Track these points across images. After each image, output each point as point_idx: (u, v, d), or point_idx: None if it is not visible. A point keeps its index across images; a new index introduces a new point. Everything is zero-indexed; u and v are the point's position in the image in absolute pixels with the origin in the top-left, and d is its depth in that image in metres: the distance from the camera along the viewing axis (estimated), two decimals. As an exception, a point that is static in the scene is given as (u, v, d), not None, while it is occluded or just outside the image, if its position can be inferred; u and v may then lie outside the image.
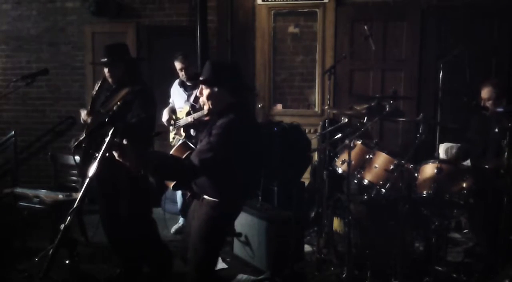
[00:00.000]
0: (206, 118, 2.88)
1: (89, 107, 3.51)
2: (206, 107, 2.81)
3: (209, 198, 2.78)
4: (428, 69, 5.60)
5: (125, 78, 3.44)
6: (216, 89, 2.74)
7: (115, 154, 2.41)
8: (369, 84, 5.83)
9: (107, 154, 2.26)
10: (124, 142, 2.42)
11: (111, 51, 3.47)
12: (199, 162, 2.61)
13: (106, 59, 3.45)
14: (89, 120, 3.47)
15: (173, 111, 4.72)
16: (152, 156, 2.71)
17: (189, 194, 2.96)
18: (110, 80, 3.49)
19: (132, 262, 3.54)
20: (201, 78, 2.80)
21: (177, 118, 4.61)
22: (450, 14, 5.54)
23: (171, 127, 4.67)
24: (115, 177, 3.28)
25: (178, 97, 4.70)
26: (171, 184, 2.84)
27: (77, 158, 3.27)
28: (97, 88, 3.50)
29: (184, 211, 4.88)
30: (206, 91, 2.76)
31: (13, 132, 5.52)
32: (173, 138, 4.67)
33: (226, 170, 2.70)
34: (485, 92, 3.87)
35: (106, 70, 3.47)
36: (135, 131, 3.08)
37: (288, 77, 6.20)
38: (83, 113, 3.55)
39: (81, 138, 3.27)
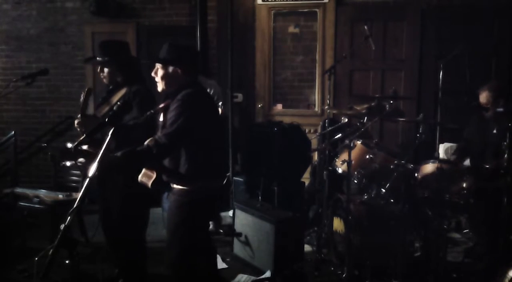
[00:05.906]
0: (162, 105, 2.77)
1: (79, 115, 3.21)
2: (160, 88, 2.79)
3: (178, 186, 2.71)
4: (428, 69, 5.59)
5: (120, 78, 3.28)
6: (171, 69, 2.72)
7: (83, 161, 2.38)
8: (369, 84, 5.83)
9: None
10: (85, 147, 2.39)
11: (104, 50, 3.28)
12: (165, 136, 2.56)
13: (99, 58, 3.27)
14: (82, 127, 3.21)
15: None
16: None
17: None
18: (104, 80, 3.33)
19: (129, 262, 3.50)
20: (156, 58, 2.78)
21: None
22: (450, 14, 5.54)
23: None
24: (111, 177, 3.22)
25: None
26: (150, 182, 2.71)
27: (69, 162, 3.18)
28: (83, 98, 3.24)
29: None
30: (161, 71, 2.74)
31: (13, 132, 5.51)
32: None
33: (190, 147, 2.63)
34: (482, 97, 3.87)
35: (99, 69, 3.30)
36: (129, 134, 2.93)
37: (288, 77, 6.20)
38: (76, 121, 3.29)
39: (80, 138, 3.23)
